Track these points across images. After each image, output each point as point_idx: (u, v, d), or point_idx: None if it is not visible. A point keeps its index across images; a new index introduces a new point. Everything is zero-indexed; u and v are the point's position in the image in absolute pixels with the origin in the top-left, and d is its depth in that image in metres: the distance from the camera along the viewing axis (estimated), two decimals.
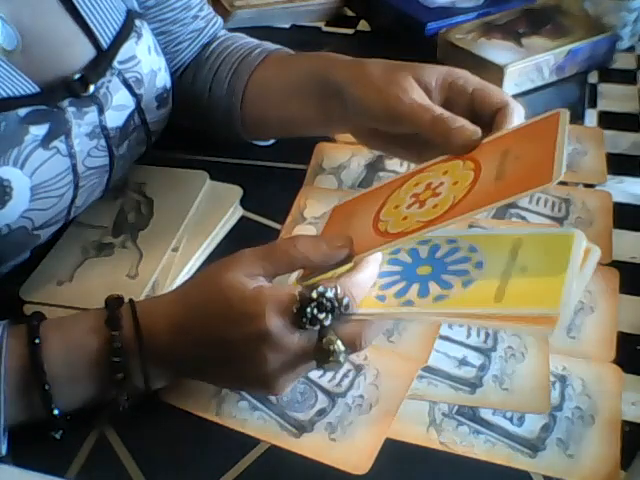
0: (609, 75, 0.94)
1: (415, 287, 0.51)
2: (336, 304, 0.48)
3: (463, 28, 0.98)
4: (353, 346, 0.49)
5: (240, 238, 0.69)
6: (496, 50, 0.93)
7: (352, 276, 0.51)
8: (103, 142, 0.63)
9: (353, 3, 1.12)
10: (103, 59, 0.63)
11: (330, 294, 0.47)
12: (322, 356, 0.48)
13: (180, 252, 0.65)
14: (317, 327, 0.48)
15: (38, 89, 0.57)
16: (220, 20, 0.80)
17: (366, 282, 0.51)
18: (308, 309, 0.47)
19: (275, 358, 0.48)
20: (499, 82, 0.89)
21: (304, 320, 0.47)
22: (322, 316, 0.47)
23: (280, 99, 0.72)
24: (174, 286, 0.62)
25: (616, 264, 0.64)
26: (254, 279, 0.49)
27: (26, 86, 0.56)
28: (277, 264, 0.51)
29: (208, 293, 0.50)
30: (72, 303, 0.61)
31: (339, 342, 0.48)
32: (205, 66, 0.76)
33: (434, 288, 0.51)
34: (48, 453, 0.50)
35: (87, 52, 0.62)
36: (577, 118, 0.86)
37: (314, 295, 0.47)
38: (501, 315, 0.47)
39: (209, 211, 0.69)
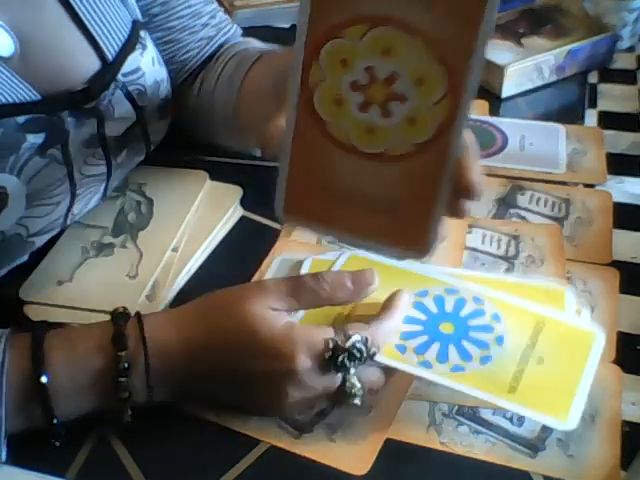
0: (609, 75, 0.94)
1: (435, 347, 0.53)
2: (365, 355, 0.49)
3: None
4: (372, 390, 0.51)
5: (240, 238, 0.69)
6: (496, 50, 0.92)
7: (382, 324, 0.51)
8: (100, 151, 0.62)
9: None
10: (108, 72, 0.61)
11: (361, 345, 0.48)
12: (343, 398, 0.49)
13: (180, 252, 0.65)
14: (343, 373, 0.49)
15: (39, 97, 0.56)
16: (234, 28, 0.77)
17: (393, 330, 0.52)
18: (339, 357, 0.48)
19: (296, 395, 0.49)
20: (499, 82, 0.89)
21: (332, 367, 0.48)
22: (350, 364, 0.48)
23: (269, 97, 0.68)
24: (174, 286, 0.62)
25: (616, 264, 0.64)
26: (279, 313, 0.50)
27: (27, 93, 0.56)
28: (303, 301, 0.51)
29: (231, 320, 0.49)
30: (72, 303, 0.61)
31: (359, 386, 0.49)
32: (210, 75, 0.74)
33: (453, 356, 0.52)
34: (48, 453, 0.50)
35: (92, 64, 0.61)
36: (577, 118, 0.86)
37: (348, 345, 0.48)
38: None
39: (209, 211, 0.69)
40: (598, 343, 0.53)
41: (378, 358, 0.50)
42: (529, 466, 0.49)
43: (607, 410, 0.52)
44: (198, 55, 0.74)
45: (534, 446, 0.50)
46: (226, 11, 1.06)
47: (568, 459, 0.50)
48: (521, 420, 0.52)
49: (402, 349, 0.52)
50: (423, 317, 0.55)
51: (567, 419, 0.48)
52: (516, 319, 0.55)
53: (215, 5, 0.76)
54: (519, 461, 0.50)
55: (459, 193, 0.45)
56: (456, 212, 0.46)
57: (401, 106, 0.41)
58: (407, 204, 0.44)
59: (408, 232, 0.45)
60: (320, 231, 0.48)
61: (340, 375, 0.49)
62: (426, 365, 0.51)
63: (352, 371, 0.49)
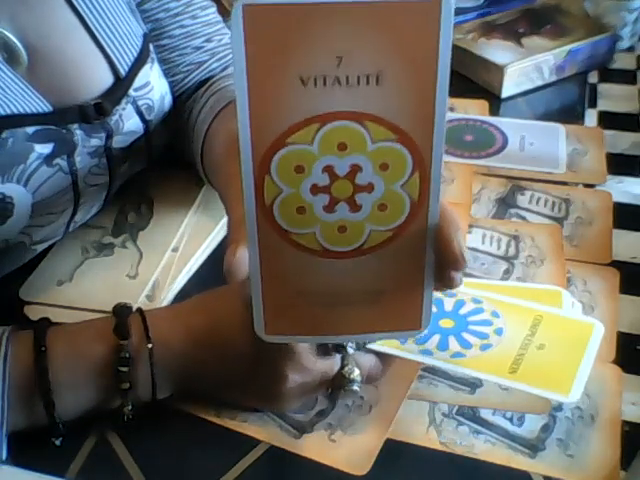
0: (609, 75, 0.94)
1: (436, 338, 0.53)
2: None
3: (463, 28, 0.98)
4: (369, 377, 0.51)
5: None
6: (496, 50, 0.93)
7: None
8: (104, 161, 0.62)
9: None
10: (120, 87, 0.61)
11: None
12: (341, 383, 0.49)
13: (180, 252, 0.65)
14: (340, 355, 0.49)
15: (50, 108, 0.56)
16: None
17: None
18: None
19: (294, 378, 0.49)
20: (499, 82, 0.89)
21: (330, 346, 0.49)
22: (348, 344, 0.48)
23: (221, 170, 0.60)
24: (174, 286, 0.62)
25: (616, 264, 0.64)
26: None
27: (38, 104, 0.55)
28: None
29: (234, 306, 0.49)
30: (72, 303, 0.61)
31: (358, 372, 0.49)
32: (197, 106, 0.68)
33: (453, 344, 0.53)
34: (48, 453, 0.50)
35: (105, 78, 0.60)
36: (577, 118, 0.86)
37: None
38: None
39: (209, 211, 0.69)
40: (597, 333, 0.53)
41: (378, 347, 0.50)
42: (529, 466, 0.49)
43: (607, 410, 0.52)
44: (185, 80, 0.70)
45: (534, 446, 0.50)
46: (226, 11, 1.06)
47: (568, 459, 0.50)
48: (521, 420, 0.52)
49: (403, 340, 0.52)
50: None
51: (569, 393, 0.48)
52: (515, 315, 0.55)
53: (217, 28, 0.71)
54: (519, 461, 0.50)
55: (446, 265, 0.42)
56: (446, 283, 0.43)
57: (369, 196, 0.39)
58: (394, 289, 0.42)
59: (401, 315, 0.44)
60: (308, 340, 0.46)
61: (339, 358, 0.49)
62: (427, 353, 0.52)
63: (350, 351, 0.49)
